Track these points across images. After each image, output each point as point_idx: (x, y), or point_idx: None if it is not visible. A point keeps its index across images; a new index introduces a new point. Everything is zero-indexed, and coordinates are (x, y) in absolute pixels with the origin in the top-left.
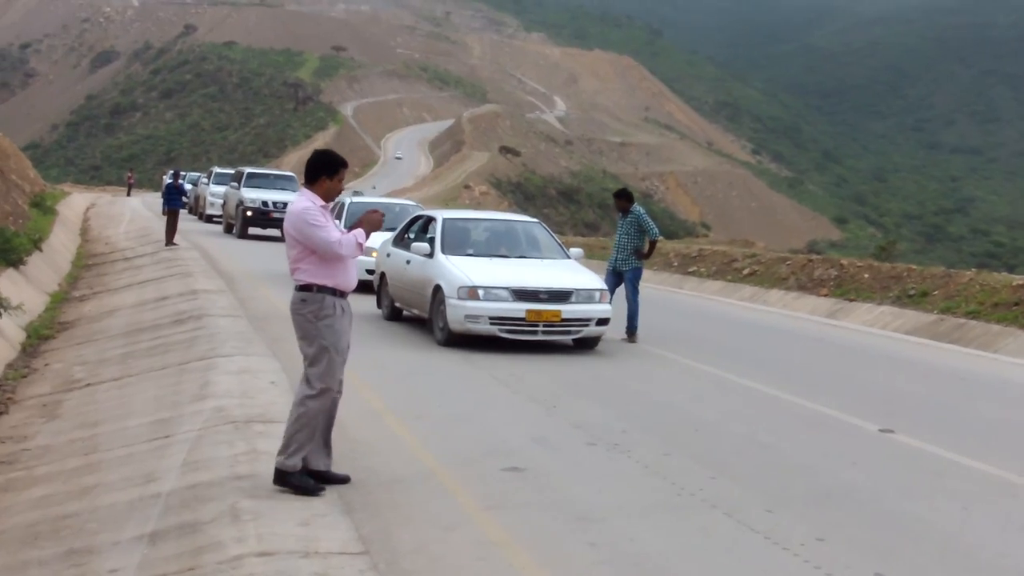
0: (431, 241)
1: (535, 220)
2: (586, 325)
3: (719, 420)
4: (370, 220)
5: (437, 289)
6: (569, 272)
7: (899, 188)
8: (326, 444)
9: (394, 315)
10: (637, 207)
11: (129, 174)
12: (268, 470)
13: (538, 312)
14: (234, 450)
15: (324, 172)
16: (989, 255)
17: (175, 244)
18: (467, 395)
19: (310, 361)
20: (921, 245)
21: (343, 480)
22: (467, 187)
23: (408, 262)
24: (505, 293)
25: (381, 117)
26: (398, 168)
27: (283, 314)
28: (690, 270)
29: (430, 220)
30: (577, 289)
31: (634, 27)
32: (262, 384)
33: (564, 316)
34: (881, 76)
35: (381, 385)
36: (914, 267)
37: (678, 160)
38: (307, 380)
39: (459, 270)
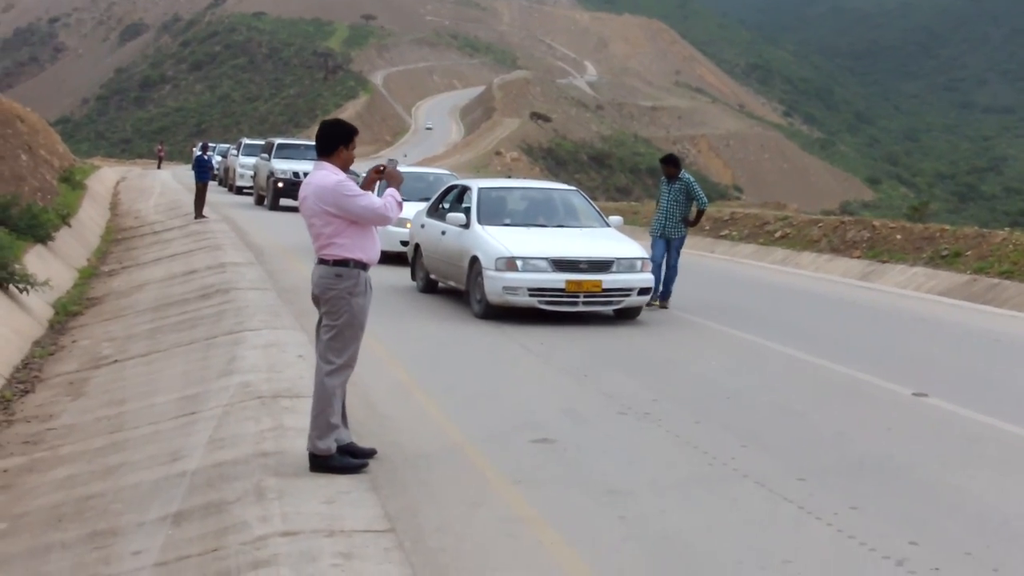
0: (467, 211)
1: (573, 188)
2: (628, 295)
3: (750, 387)
4: (391, 174)
5: (474, 260)
6: (609, 241)
7: (931, 148)
8: (343, 416)
9: (429, 287)
10: (686, 174)
11: (159, 147)
12: (294, 447)
13: (578, 283)
14: (260, 426)
15: (341, 142)
16: (1022, 214)
17: (204, 217)
18: (496, 367)
19: (333, 335)
20: (954, 205)
21: (370, 453)
22: (498, 154)
23: (443, 233)
24: (544, 263)
25: (411, 85)
26: (429, 136)
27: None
28: (722, 233)
29: (465, 190)
30: (618, 258)
31: None
32: (289, 358)
33: (605, 286)
34: (913, 36)
35: (409, 358)
36: (947, 227)
37: (710, 123)
38: (326, 355)
39: (496, 240)
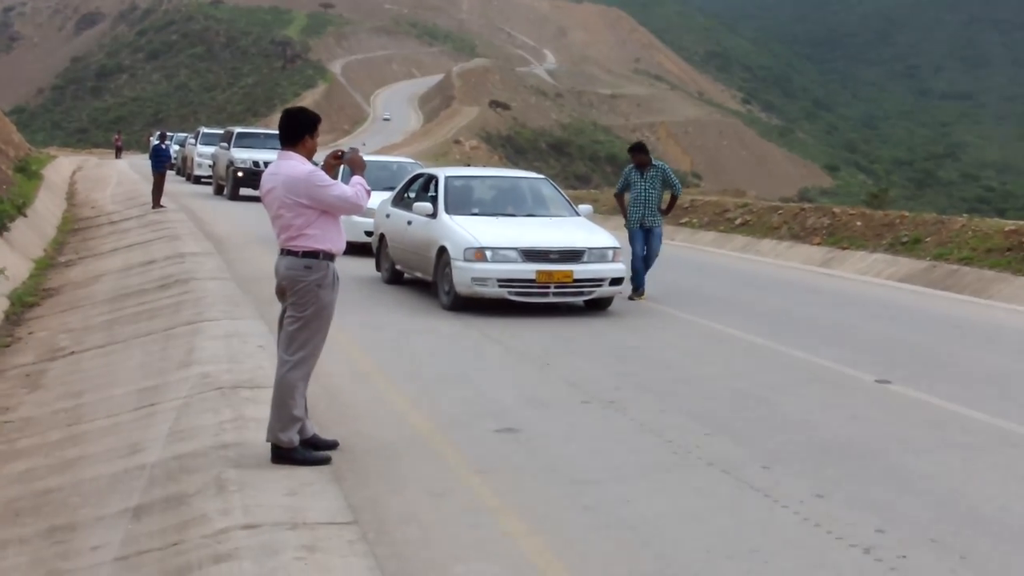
0: (433, 200)
1: (542, 176)
2: (599, 285)
3: (714, 374)
4: (354, 161)
5: (442, 251)
6: (580, 230)
7: (889, 135)
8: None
9: (395, 278)
10: (659, 161)
11: (117, 137)
12: (255, 438)
13: (549, 273)
14: (220, 417)
15: (307, 131)
16: (979, 200)
17: (162, 207)
18: (459, 356)
19: (299, 326)
20: (912, 191)
21: (332, 445)
22: (457, 142)
23: (409, 223)
24: (514, 254)
25: (370, 74)
26: (388, 125)
27: (272, 275)
28: (682, 221)
29: (432, 179)
30: (589, 248)
31: None
32: (249, 348)
33: (576, 276)
34: (871, 23)
35: (372, 347)
36: (906, 214)
37: (669, 111)
38: (289, 347)
39: (464, 230)
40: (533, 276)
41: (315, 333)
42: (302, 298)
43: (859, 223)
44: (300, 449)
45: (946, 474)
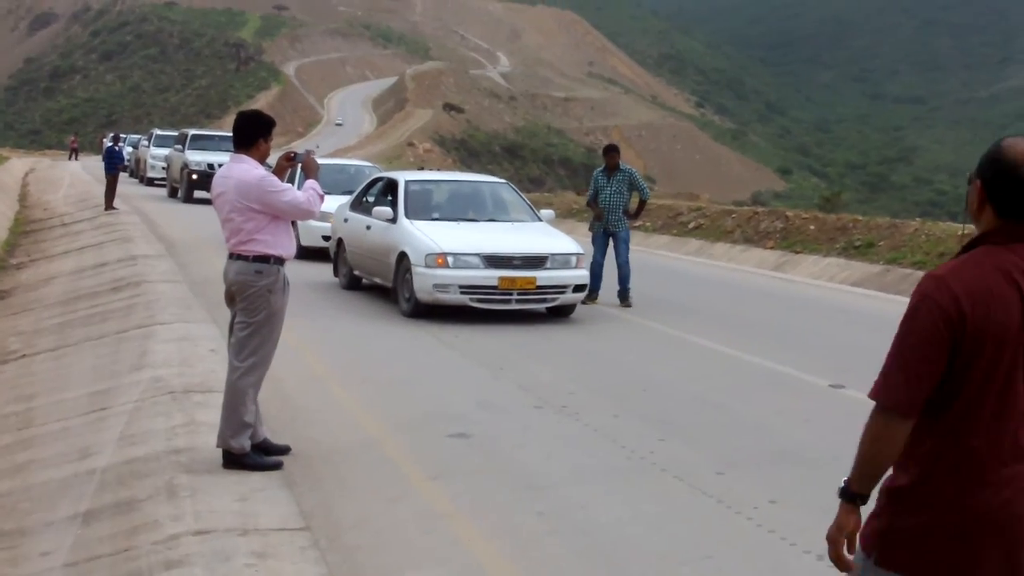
0: (393, 205)
1: (503, 181)
2: (562, 292)
3: (668, 379)
4: (308, 164)
5: (402, 257)
6: (542, 236)
7: (843, 138)
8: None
9: (353, 284)
10: (626, 165)
11: (73, 139)
12: (207, 443)
13: (512, 279)
14: (172, 422)
15: (261, 134)
16: (932, 204)
17: (115, 209)
18: (414, 360)
19: (250, 332)
20: (865, 195)
21: (284, 450)
22: (411, 145)
23: (368, 228)
24: (476, 260)
25: (324, 76)
26: (341, 128)
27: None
28: (635, 225)
29: (391, 183)
30: (552, 254)
31: None
32: (201, 352)
33: (539, 283)
34: (824, 27)
35: (325, 351)
36: (859, 218)
37: (622, 114)
38: (240, 353)
39: (425, 236)
40: (496, 283)
41: (266, 339)
42: (252, 303)
43: (812, 227)
44: (252, 454)
45: None
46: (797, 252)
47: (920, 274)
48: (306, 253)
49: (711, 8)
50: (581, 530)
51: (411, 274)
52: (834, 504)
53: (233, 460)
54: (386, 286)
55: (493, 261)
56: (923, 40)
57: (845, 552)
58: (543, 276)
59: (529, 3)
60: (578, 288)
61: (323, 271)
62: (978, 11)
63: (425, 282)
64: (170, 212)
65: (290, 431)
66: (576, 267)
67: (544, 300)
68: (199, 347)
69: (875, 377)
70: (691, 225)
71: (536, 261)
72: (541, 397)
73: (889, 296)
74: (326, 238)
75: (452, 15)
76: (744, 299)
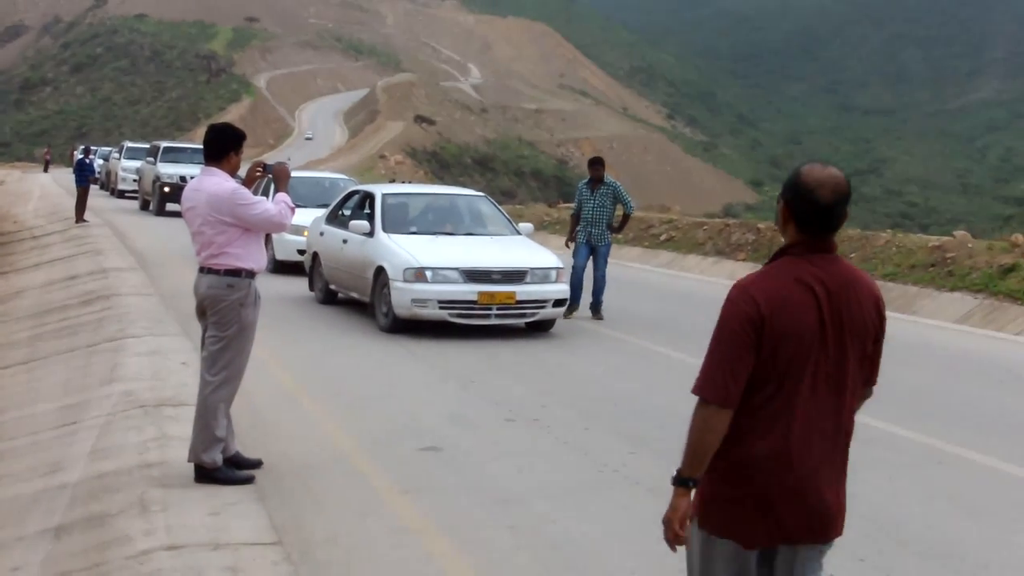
0: (370, 218)
1: (481, 194)
2: (542, 307)
3: (639, 392)
4: (280, 173)
5: (379, 271)
6: (522, 249)
7: (813, 150)
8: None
9: (329, 298)
10: (610, 178)
11: (46, 151)
12: (178, 457)
13: (491, 294)
14: (143, 436)
15: (232, 147)
16: (903, 215)
17: (85, 221)
18: (384, 374)
19: (222, 346)
20: None
21: (255, 464)
22: (382, 157)
23: (345, 241)
24: (455, 274)
25: (295, 88)
26: (312, 141)
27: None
28: (619, 238)
29: (368, 196)
30: (532, 268)
31: None
32: (173, 365)
33: (519, 298)
34: (794, 39)
35: (296, 366)
36: None
37: (593, 126)
38: (212, 367)
39: (403, 250)
40: (475, 297)
41: (238, 353)
42: (224, 317)
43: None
44: (223, 469)
45: (872, 492)
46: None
47: (891, 285)
48: (281, 267)
49: (681, 21)
50: (552, 544)
51: (389, 289)
52: None
53: (205, 474)
54: (363, 301)
55: (472, 276)
56: (892, 52)
57: (679, 530)
58: (523, 291)
59: (500, 15)
60: (558, 303)
61: (298, 285)
62: (946, 23)
63: (403, 297)
64: (140, 224)
65: (261, 445)
66: (556, 281)
67: (524, 315)
68: (170, 360)
69: None
70: (663, 237)
71: (516, 276)
72: (512, 410)
73: None
74: (301, 252)
75: (423, 27)
76: (715, 311)
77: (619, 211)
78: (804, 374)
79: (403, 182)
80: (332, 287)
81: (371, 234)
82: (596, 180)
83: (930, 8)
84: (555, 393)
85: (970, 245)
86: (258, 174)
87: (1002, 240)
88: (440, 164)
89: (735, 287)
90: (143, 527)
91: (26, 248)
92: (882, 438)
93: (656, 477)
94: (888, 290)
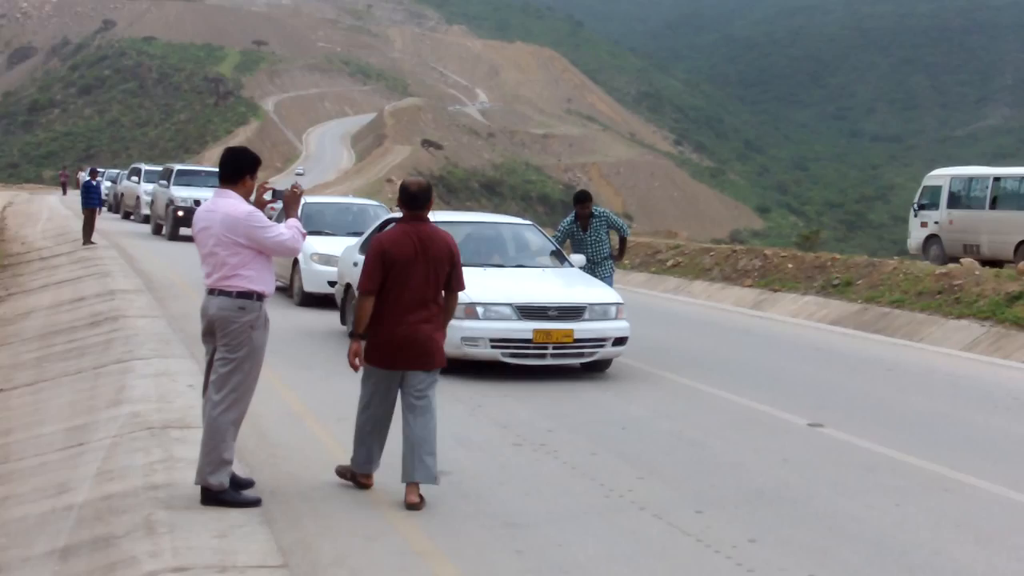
0: None
1: (529, 223)
2: (601, 346)
3: (646, 417)
4: (290, 199)
5: None
6: (578, 283)
7: (820, 176)
8: None
9: None
10: (597, 206)
11: (63, 172)
12: (185, 478)
13: (547, 332)
14: (150, 458)
15: (248, 170)
16: None
17: (93, 243)
18: None
19: (231, 368)
20: (843, 233)
21: (247, 484)
22: (389, 181)
23: None
24: (508, 310)
25: (303, 111)
26: (320, 162)
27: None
28: (625, 263)
29: None
30: (591, 304)
31: (555, 18)
32: (180, 387)
33: (577, 336)
34: (802, 66)
35: (301, 386)
36: (838, 256)
37: (601, 151)
38: (221, 389)
39: None
40: (530, 336)
41: (247, 375)
42: (235, 339)
43: (791, 265)
44: (230, 491)
45: (878, 518)
46: (775, 290)
47: (898, 313)
48: (310, 299)
49: (689, 46)
50: (560, 568)
51: None
52: (813, 542)
53: (212, 497)
54: None
55: (527, 312)
56: (899, 79)
57: (356, 362)
58: (581, 328)
59: (507, 40)
60: (618, 341)
61: (328, 319)
62: (954, 51)
63: (452, 335)
64: (146, 247)
65: (269, 467)
66: (616, 318)
67: (582, 355)
68: (177, 382)
69: (853, 416)
70: (669, 263)
71: (574, 312)
72: (519, 435)
73: (867, 335)
74: (332, 283)
75: (431, 52)
76: (722, 337)
77: (614, 239)
78: (407, 279)
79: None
80: None
81: None
82: (584, 217)
83: (938, 35)
84: (562, 418)
85: (977, 272)
86: (267, 200)
87: (1009, 268)
88: (447, 188)
89: (375, 239)
90: (149, 549)
91: (34, 269)
92: (889, 464)
93: (664, 503)
94: (895, 317)
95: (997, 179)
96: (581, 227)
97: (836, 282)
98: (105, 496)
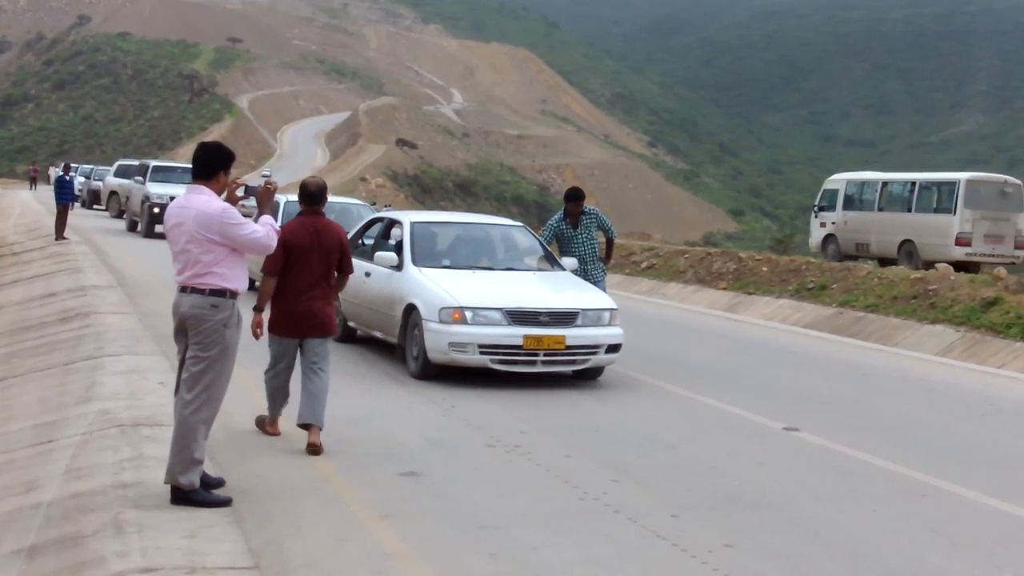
0: (398, 250)
1: (519, 224)
2: (594, 353)
3: (621, 420)
4: (264, 195)
5: (410, 309)
6: (570, 288)
7: (794, 180)
8: None
9: (346, 336)
10: (588, 206)
11: (32, 166)
12: (154, 477)
13: (538, 338)
14: (119, 456)
15: (222, 167)
16: None
17: (65, 239)
18: (362, 396)
19: (203, 367)
20: None
21: (218, 483)
22: (363, 179)
23: (368, 275)
24: (498, 315)
25: (277, 109)
26: (293, 160)
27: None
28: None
29: (393, 224)
30: (583, 309)
31: (531, 19)
32: (150, 385)
33: (569, 342)
34: (776, 69)
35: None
36: (812, 260)
37: (575, 152)
38: (193, 388)
39: (438, 286)
40: (520, 342)
41: (219, 374)
42: (207, 338)
43: (765, 268)
44: (200, 491)
45: (854, 523)
46: (750, 293)
47: (873, 317)
48: None
49: (663, 49)
50: (533, 572)
51: (421, 330)
52: (789, 547)
53: (181, 496)
54: (388, 341)
55: (517, 317)
56: (874, 84)
57: (258, 331)
58: (573, 334)
59: (483, 40)
60: (612, 348)
61: None
62: (928, 57)
63: (439, 340)
64: (119, 243)
65: (239, 467)
66: (609, 324)
67: (574, 362)
68: (148, 380)
69: (828, 420)
70: (643, 265)
71: (566, 317)
72: (493, 436)
73: (842, 339)
74: None
75: (406, 51)
76: (697, 340)
77: (600, 240)
78: (305, 262)
79: (385, 206)
80: (351, 324)
81: (400, 267)
82: (575, 215)
83: (912, 41)
84: (536, 419)
85: (952, 278)
86: (239, 196)
87: (984, 273)
88: (421, 188)
89: (283, 229)
90: (117, 548)
91: (5, 264)
92: (864, 469)
93: (639, 507)
94: (869, 321)
95: (885, 184)
96: (571, 225)
97: (811, 286)
98: (73, 494)
